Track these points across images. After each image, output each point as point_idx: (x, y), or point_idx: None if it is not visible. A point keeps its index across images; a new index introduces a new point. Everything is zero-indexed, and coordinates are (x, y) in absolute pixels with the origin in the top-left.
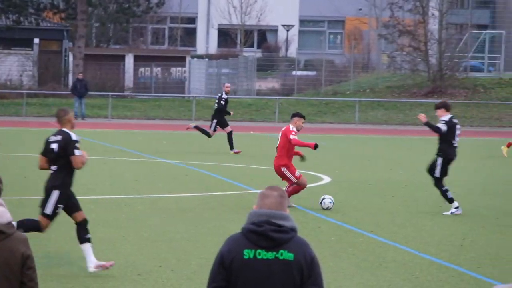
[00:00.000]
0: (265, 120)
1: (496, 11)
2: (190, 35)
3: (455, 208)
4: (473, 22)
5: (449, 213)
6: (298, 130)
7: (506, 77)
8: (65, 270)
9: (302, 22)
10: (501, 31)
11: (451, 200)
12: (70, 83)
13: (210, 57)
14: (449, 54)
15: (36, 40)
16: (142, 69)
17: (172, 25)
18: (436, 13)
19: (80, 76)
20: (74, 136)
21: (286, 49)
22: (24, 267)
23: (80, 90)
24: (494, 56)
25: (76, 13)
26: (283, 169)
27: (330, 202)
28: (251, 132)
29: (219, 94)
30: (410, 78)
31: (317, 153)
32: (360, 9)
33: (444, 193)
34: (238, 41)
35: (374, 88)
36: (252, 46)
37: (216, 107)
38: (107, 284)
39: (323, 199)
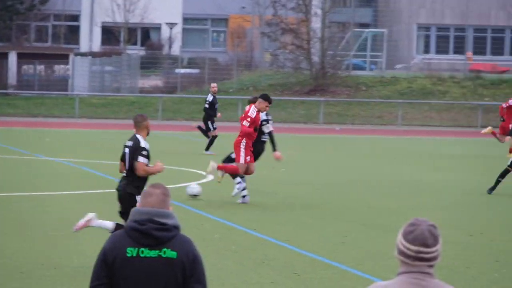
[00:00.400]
0: (149, 118)
1: (378, 10)
2: (73, 33)
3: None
4: (356, 20)
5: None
6: (261, 112)
7: (388, 76)
8: None
9: (185, 20)
10: (383, 30)
11: None
12: None
13: (93, 54)
14: (331, 52)
15: None
16: (25, 67)
17: (55, 22)
18: (319, 11)
19: None
20: (143, 143)
21: (170, 47)
22: None
23: None
24: (376, 55)
25: None
26: (241, 144)
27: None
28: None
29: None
30: (293, 76)
31: (201, 150)
32: (244, 7)
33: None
34: (122, 39)
35: (257, 86)
36: (135, 44)
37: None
38: None
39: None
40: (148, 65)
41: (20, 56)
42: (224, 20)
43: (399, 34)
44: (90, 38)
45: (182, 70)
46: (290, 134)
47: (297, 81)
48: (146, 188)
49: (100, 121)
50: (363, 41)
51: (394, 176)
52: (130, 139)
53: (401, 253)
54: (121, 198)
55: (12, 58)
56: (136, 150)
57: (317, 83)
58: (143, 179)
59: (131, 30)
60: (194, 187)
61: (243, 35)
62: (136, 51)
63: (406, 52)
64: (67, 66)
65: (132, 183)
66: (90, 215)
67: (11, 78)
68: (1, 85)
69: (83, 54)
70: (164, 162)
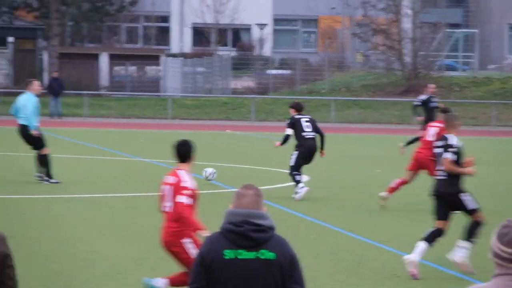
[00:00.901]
0: (241, 119)
1: (468, 10)
2: (164, 34)
3: None
4: (446, 21)
5: None
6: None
7: (480, 76)
8: (45, 269)
9: (276, 21)
10: (475, 30)
11: None
12: (45, 82)
13: (184, 55)
14: (423, 53)
15: (11, 39)
16: (117, 68)
17: (146, 23)
18: (409, 12)
19: (56, 75)
20: (452, 141)
21: (261, 48)
22: (3, 266)
23: (55, 89)
24: (468, 55)
25: (49, 12)
26: None
27: (211, 174)
28: (227, 130)
29: None
30: (385, 77)
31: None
32: (333, 8)
33: None
34: (212, 40)
35: (349, 86)
36: (226, 45)
37: None
38: (88, 283)
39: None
40: (239, 66)
41: (112, 57)
42: (314, 21)
43: (490, 34)
44: (180, 39)
45: (274, 71)
46: (384, 135)
47: (389, 82)
48: (239, 189)
49: (193, 122)
50: (454, 41)
51: (494, 177)
52: (440, 139)
53: (496, 255)
54: (446, 200)
55: (104, 59)
56: (445, 147)
57: (410, 84)
58: (459, 176)
59: (222, 31)
60: (207, 170)
61: (333, 36)
62: (227, 52)
63: (498, 52)
64: (158, 67)
65: (452, 183)
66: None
67: (103, 79)
68: (93, 86)
69: (174, 55)
70: (256, 162)
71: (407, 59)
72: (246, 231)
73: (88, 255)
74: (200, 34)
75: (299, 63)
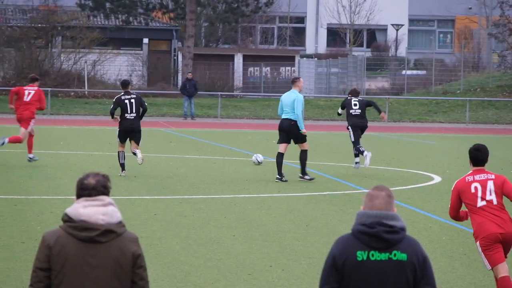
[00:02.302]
0: (375, 120)
1: None
2: (299, 35)
3: None
4: None
5: None
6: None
7: None
8: (175, 270)
9: (411, 21)
10: None
11: None
12: (180, 82)
13: (319, 56)
14: None
15: (146, 40)
16: (251, 69)
17: (281, 24)
18: None
19: (190, 75)
20: None
21: (396, 49)
22: (134, 266)
23: (189, 90)
24: None
25: (185, 13)
26: None
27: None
28: None
29: None
30: None
31: (428, 152)
32: (470, 8)
33: None
34: (347, 41)
35: (484, 87)
36: (361, 45)
37: None
38: (218, 284)
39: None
40: (374, 66)
41: (246, 58)
42: (451, 21)
43: None
44: (315, 40)
45: (409, 72)
46: None
47: None
48: (370, 190)
49: (326, 122)
50: None
51: None
52: None
53: None
54: None
55: (238, 60)
56: None
57: None
58: None
59: (357, 32)
60: (258, 155)
61: (470, 36)
62: (362, 53)
63: None
64: (293, 68)
65: None
66: None
67: (237, 80)
68: (228, 87)
69: (309, 56)
70: (390, 163)
71: None
72: (379, 232)
73: (218, 255)
74: (335, 35)
75: (434, 64)
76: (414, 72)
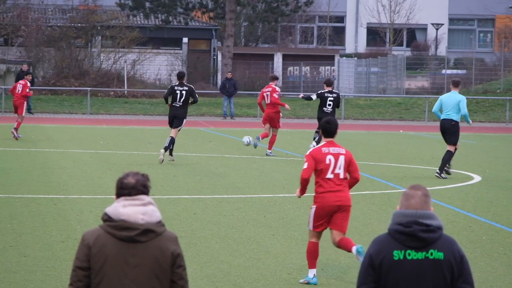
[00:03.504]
0: (415, 119)
1: None
2: (338, 34)
3: None
4: None
5: None
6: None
7: None
8: (215, 269)
9: (451, 20)
10: None
11: None
12: (219, 82)
13: (359, 56)
14: None
15: (185, 40)
16: (290, 68)
17: (320, 24)
18: None
19: (229, 75)
20: None
21: (436, 48)
22: (174, 265)
23: (229, 89)
24: None
25: (224, 13)
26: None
27: (247, 141)
28: (401, 131)
29: None
30: None
31: (468, 152)
32: (511, 7)
33: None
34: (387, 40)
35: None
36: (401, 44)
37: None
38: (257, 283)
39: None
40: (414, 66)
41: (285, 57)
42: (491, 20)
43: None
44: (355, 39)
45: (449, 71)
46: None
47: None
48: (406, 190)
49: (365, 122)
50: None
51: None
52: None
53: None
54: None
55: (278, 59)
56: None
57: None
58: None
59: (397, 31)
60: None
61: (510, 35)
62: (402, 52)
63: None
64: (332, 68)
65: None
66: None
67: None
68: None
69: (348, 56)
70: (429, 163)
71: None
72: (415, 231)
73: (257, 255)
74: (374, 34)
75: (474, 63)
76: (454, 71)
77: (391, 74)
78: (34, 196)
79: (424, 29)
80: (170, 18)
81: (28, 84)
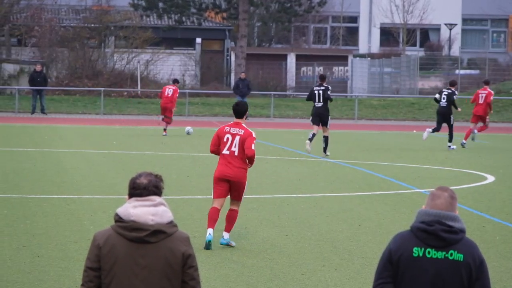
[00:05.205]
0: (428, 119)
1: None
2: (352, 34)
3: None
4: None
5: None
6: None
7: None
8: (228, 269)
9: (464, 20)
10: None
11: None
12: (232, 82)
13: (372, 56)
14: None
15: (198, 40)
16: (304, 69)
17: (334, 24)
18: None
19: (243, 75)
20: None
21: (449, 48)
22: (185, 266)
23: (242, 90)
24: None
25: (237, 13)
26: None
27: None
28: (414, 131)
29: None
30: None
31: (481, 152)
32: None
33: None
34: (401, 40)
35: None
36: (414, 45)
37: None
38: (271, 283)
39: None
40: (427, 66)
41: (299, 58)
42: (504, 21)
43: None
44: (368, 40)
45: (462, 71)
46: None
47: None
48: (433, 190)
49: (379, 122)
50: None
51: None
52: None
53: None
54: None
55: (291, 59)
56: None
57: None
58: None
59: (410, 31)
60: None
61: None
62: (415, 52)
63: None
64: (345, 68)
65: None
66: None
67: (290, 80)
68: (280, 87)
69: (362, 56)
70: (443, 163)
71: None
72: (436, 230)
73: (271, 255)
74: (388, 34)
75: (488, 63)
76: (468, 71)
77: (405, 74)
78: (48, 196)
79: (437, 29)
80: (183, 19)
81: None
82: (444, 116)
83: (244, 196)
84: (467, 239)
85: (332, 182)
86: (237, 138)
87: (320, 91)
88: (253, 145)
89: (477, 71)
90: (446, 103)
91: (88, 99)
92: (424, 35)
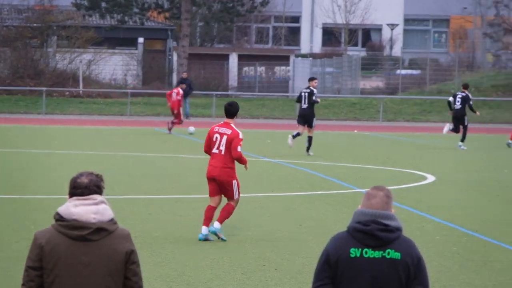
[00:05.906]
0: (369, 119)
1: None
2: (294, 34)
3: None
4: None
5: None
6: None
7: None
8: (169, 269)
9: (406, 21)
10: None
11: None
12: (174, 82)
13: (314, 56)
14: None
15: (141, 40)
16: (246, 68)
17: (276, 24)
18: None
19: (185, 75)
20: None
21: (391, 48)
22: (128, 262)
23: (184, 90)
24: None
25: (180, 13)
26: None
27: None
28: (355, 131)
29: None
30: None
31: (422, 152)
32: (465, 8)
33: None
34: (342, 40)
35: (479, 87)
36: (356, 45)
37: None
38: (211, 283)
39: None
40: (369, 66)
41: (241, 58)
42: (446, 21)
43: None
44: (310, 40)
45: (403, 71)
46: None
47: None
48: (369, 190)
49: (321, 122)
50: None
51: None
52: None
53: None
54: None
55: (233, 60)
56: None
57: None
58: None
59: (352, 31)
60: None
61: (464, 36)
62: (357, 52)
63: None
64: (287, 68)
65: None
66: None
67: (232, 79)
68: (222, 87)
69: (304, 56)
70: (384, 163)
71: None
72: (372, 230)
73: (212, 255)
74: (330, 34)
75: (429, 63)
76: (409, 71)
77: (346, 74)
78: None
79: (379, 29)
80: (126, 18)
81: None
82: (459, 119)
83: (187, 196)
84: (404, 238)
85: (275, 182)
86: (225, 137)
87: (306, 94)
88: (239, 147)
89: (418, 71)
90: (460, 105)
91: (30, 99)
92: (366, 35)
